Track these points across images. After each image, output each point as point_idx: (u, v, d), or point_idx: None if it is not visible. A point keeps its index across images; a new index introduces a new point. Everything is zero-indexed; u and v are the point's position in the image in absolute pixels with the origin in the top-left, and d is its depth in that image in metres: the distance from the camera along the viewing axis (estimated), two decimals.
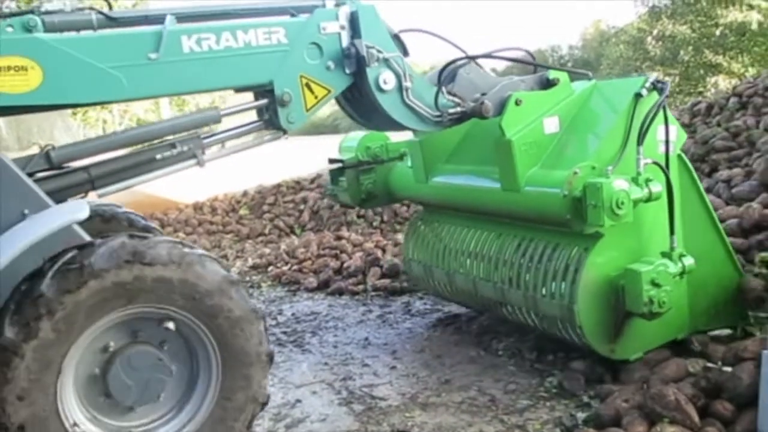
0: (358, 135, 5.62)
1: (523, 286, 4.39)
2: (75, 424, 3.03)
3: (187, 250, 3.13)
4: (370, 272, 6.95)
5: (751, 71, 16.32)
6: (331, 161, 5.67)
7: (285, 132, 3.88)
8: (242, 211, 10.84)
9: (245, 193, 11.19)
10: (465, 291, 5.01)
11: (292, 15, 3.90)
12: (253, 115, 4.09)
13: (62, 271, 2.90)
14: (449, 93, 4.17)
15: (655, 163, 3.92)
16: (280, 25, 3.78)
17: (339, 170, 5.56)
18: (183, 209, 11.06)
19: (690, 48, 19.13)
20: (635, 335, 4.09)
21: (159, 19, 3.60)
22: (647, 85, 3.99)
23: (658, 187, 3.85)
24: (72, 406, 3.04)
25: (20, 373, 2.81)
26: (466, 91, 4.26)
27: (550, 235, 4.28)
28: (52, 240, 3.00)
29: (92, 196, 3.69)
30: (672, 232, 3.95)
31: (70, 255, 2.97)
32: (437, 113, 4.13)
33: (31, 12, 3.34)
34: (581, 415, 3.84)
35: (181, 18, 3.68)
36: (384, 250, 7.46)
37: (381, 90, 3.94)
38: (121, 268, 2.94)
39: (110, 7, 3.62)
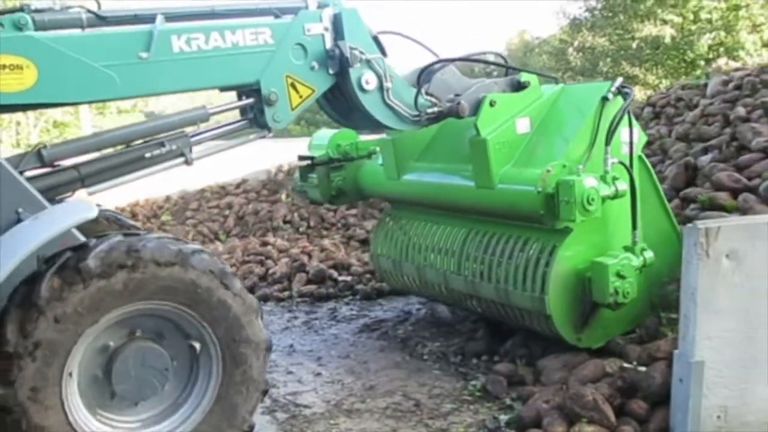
0: (327, 133, 5.71)
1: (494, 279, 4.51)
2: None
3: (182, 245, 3.15)
4: (296, 278, 6.87)
5: (665, 83, 17.07)
6: (301, 158, 5.73)
7: (270, 130, 3.97)
8: (164, 217, 10.54)
9: (168, 199, 10.90)
10: (435, 285, 5.10)
11: (276, 16, 3.98)
12: (237, 114, 4.17)
13: (61, 272, 2.88)
14: (427, 93, 4.32)
15: (621, 162, 4.12)
16: (266, 25, 3.86)
17: (309, 167, 5.63)
18: None
19: (608, 60, 19.86)
20: (600, 325, 4.27)
21: (148, 18, 3.62)
22: (613, 89, 4.22)
23: (623, 185, 4.06)
24: (77, 405, 3.03)
25: (25, 376, 2.80)
26: (441, 91, 4.41)
27: (521, 231, 4.44)
28: (49, 241, 2.99)
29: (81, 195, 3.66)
30: (634, 227, 4.16)
31: (66, 256, 2.94)
32: (416, 113, 4.27)
33: (21, 10, 3.31)
34: (504, 418, 3.88)
35: (170, 17, 3.70)
36: (310, 256, 7.40)
37: (363, 90, 4.06)
38: (119, 267, 2.94)
39: (99, 5, 3.61)
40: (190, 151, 3.76)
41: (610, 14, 19.88)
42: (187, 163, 3.75)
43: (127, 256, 2.97)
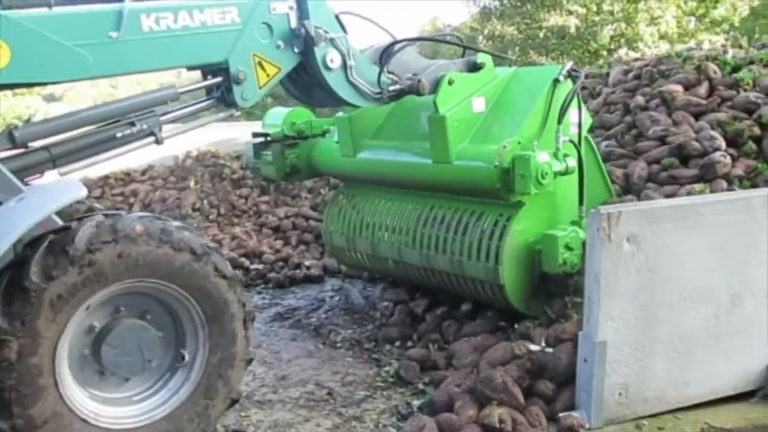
0: (282, 111, 5.71)
1: (449, 251, 4.62)
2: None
3: (162, 222, 3.21)
4: None
5: None
6: (255, 135, 5.73)
7: (237, 109, 4.00)
8: None
9: None
10: (390, 259, 5.16)
11: None
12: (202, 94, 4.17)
13: (48, 255, 2.88)
14: (388, 72, 4.45)
15: (570, 141, 4.37)
16: (233, 5, 3.89)
17: (263, 144, 5.63)
18: None
19: (517, 48, 20.30)
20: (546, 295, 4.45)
21: None
22: (563, 72, 4.44)
23: (572, 162, 4.30)
24: (69, 384, 3.07)
25: (16, 360, 2.82)
26: (400, 71, 4.55)
27: (475, 205, 4.58)
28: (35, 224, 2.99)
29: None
30: (581, 202, 4.40)
31: (49, 239, 2.93)
32: (378, 90, 4.40)
33: None
34: (416, 402, 3.91)
35: None
36: (221, 244, 7.21)
37: (328, 68, 4.15)
38: (103, 247, 2.96)
39: None
40: (160, 130, 3.76)
41: (519, 3, 20.27)
42: (158, 142, 3.77)
43: (112, 235, 2.99)
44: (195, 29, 3.75)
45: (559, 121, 4.32)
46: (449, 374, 4.03)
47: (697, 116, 5.71)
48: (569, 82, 4.47)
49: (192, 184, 9.57)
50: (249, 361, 3.56)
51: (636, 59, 7.64)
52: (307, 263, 6.83)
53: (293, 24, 4.06)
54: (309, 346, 4.89)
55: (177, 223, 3.30)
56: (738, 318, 3.69)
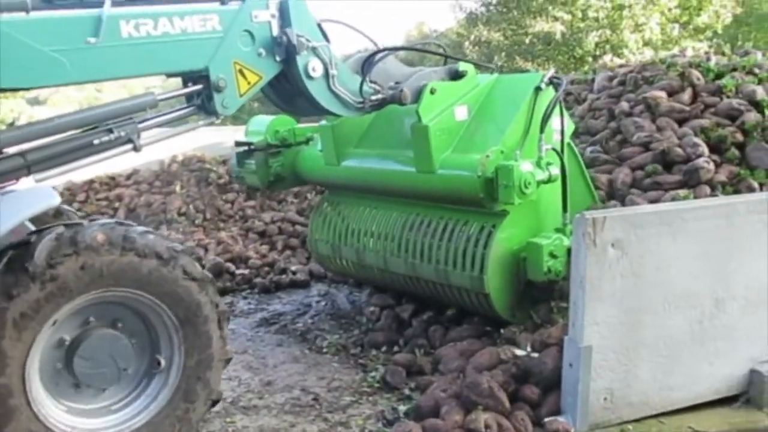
0: (265, 119, 5.69)
1: (434, 260, 4.61)
2: None
3: (125, 229, 3.15)
4: None
5: None
6: (238, 144, 5.70)
7: (217, 117, 3.94)
8: None
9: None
10: (375, 267, 5.15)
11: (222, 2, 3.93)
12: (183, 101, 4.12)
13: (5, 274, 2.83)
14: (370, 81, 4.42)
15: (553, 149, 4.37)
16: (215, 12, 3.84)
17: (246, 153, 5.59)
18: None
19: (503, 54, 20.39)
20: (532, 301, 4.46)
21: (95, 3, 3.49)
22: (545, 80, 4.43)
23: (555, 170, 4.32)
24: (43, 401, 3.03)
25: None
26: (382, 79, 4.54)
27: (459, 214, 4.58)
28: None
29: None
30: (565, 209, 4.42)
31: (8, 256, 2.89)
32: (360, 99, 4.36)
33: None
34: (402, 408, 3.91)
35: (117, 2, 3.57)
36: (207, 249, 7.19)
37: (309, 77, 4.11)
38: (64, 260, 2.90)
39: None
40: (139, 137, 3.70)
41: (505, 10, 20.37)
42: (136, 149, 3.70)
43: (73, 247, 2.93)
44: (175, 36, 3.71)
45: (542, 130, 4.32)
46: (435, 379, 4.03)
47: (681, 122, 5.76)
48: (551, 89, 4.48)
49: (178, 188, 9.52)
50: (227, 361, 3.56)
51: (621, 65, 7.69)
52: (293, 268, 6.81)
53: (275, 32, 4.02)
54: (295, 352, 4.87)
55: (141, 229, 3.25)
56: (721, 323, 3.72)
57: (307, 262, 7.14)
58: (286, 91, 4.35)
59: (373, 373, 4.39)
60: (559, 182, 4.40)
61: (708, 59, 6.68)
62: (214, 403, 3.52)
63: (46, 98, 36.30)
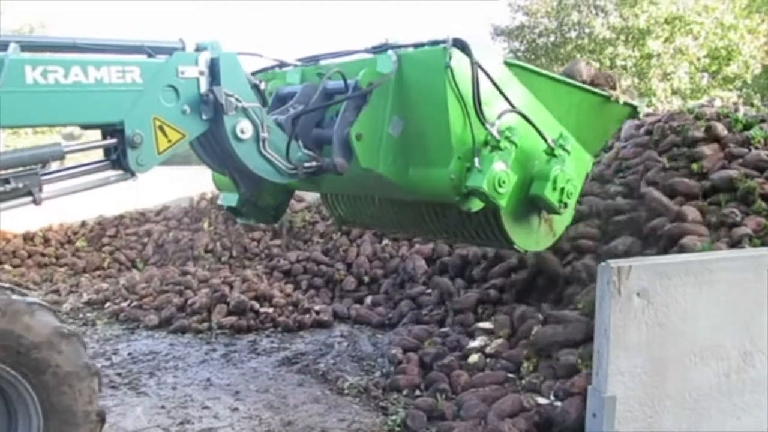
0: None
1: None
2: None
3: (14, 297, 2.92)
4: (216, 309, 6.71)
5: None
6: (223, 209, 5.59)
7: (134, 174, 3.72)
8: (79, 243, 10.11)
9: (84, 224, 10.47)
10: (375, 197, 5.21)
11: (150, 55, 3.81)
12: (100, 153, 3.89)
13: None
14: (305, 147, 4.14)
15: (503, 115, 4.09)
16: (136, 64, 3.67)
17: (235, 212, 5.42)
18: (11, 239, 10.14)
19: None
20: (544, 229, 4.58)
21: (1, 46, 3.39)
22: (450, 52, 3.91)
23: (517, 137, 4.07)
24: None
25: None
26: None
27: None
28: None
29: None
30: (543, 137, 4.29)
31: None
32: (293, 165, 4.10)
33: None
34: None
35: (27, 47, 3.49)
36: (231, 287, 7.24)
37: (238, 139, 3.90)
38: None
39: None
40: (40, 190, 3.47)
41: (533, 57, 20.64)
42: (35, 202, 3.48)
43: None
44: (88, 86, 3.50)
45: (480, 113, 3.98)
46: (456, 425, 4.00)
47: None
48: (462, 58, 3.93)
49: (206, 225, 9.67)
50: (99, 416, 3.18)
51: (648, 114, 7.71)
52: (316, 308, 6.85)
53: (203, 89, 3.81)
54: (316, 392, 4.87)
55: (32, 299, 3.03)
56: (749, 377, 3.65)
57: (330, 302, 7.17)
58: (216, 152, 4.15)
59: (393, 417, 4.37)
60: (526, 125, 4.19)
61: (736, 110, 6.68)
62: None
63: None
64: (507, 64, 4.30)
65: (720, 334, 3.59)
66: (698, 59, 17.98)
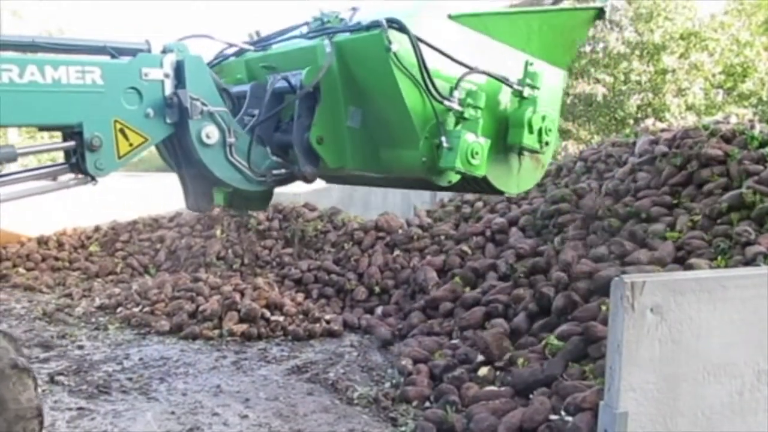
0: None
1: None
2: None
3: None
4: (227, 316, 6.73)
5: (596, 138, 17.75)
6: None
7: (93, 179, 3.60)
8: (92, 248, 10.18)
9: (97, 229, 10.54)
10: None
11: (113, 56, 3.73)
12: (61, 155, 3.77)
13: None
14: (273, 153, 4.05)
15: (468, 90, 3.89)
16: (96, 65, 3.55)
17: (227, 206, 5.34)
18: (25, 243, 10.22)
19: None
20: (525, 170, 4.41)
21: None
22: (387, 36, 3.64)
23: (480, 100, 3.88)
24: None
25: None
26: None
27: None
28: None
29: None
30: (507, 84, 4.09)
31: None
32: (261, 172, 3.99)
33: None
34: None
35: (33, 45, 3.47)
36: (243, 294, 7.26)
37: (203, 144, 3.78)
38: None
39: None
40: None
41: None
42: None
43: None
44: (44, 86, 3.37)
45: (434, 91, 3.77)
46: None
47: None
48: (402, 38, 3.67)
49: (218, 233, 9.71)
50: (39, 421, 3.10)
51: (663, 130, 7.70)
52: (327, 317, 6.86)
53: (167, 92, 3.69)
54: (325, 401, 4.87)
55: None
56: (763, 396, 3.62)
57: (341, 311, 7.18)
58: (181, 157, 4.03)
59: (403, 428, 4.36)
60: (488, 79, 4.02)
61: (752, 127, 6.65)
62: None
63: None
64: (452, 17, 3.95)
65: (733, 352, 3.56)
66: (713, 75, 17.91)
